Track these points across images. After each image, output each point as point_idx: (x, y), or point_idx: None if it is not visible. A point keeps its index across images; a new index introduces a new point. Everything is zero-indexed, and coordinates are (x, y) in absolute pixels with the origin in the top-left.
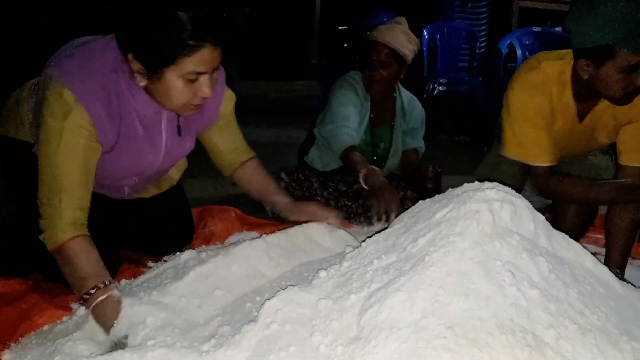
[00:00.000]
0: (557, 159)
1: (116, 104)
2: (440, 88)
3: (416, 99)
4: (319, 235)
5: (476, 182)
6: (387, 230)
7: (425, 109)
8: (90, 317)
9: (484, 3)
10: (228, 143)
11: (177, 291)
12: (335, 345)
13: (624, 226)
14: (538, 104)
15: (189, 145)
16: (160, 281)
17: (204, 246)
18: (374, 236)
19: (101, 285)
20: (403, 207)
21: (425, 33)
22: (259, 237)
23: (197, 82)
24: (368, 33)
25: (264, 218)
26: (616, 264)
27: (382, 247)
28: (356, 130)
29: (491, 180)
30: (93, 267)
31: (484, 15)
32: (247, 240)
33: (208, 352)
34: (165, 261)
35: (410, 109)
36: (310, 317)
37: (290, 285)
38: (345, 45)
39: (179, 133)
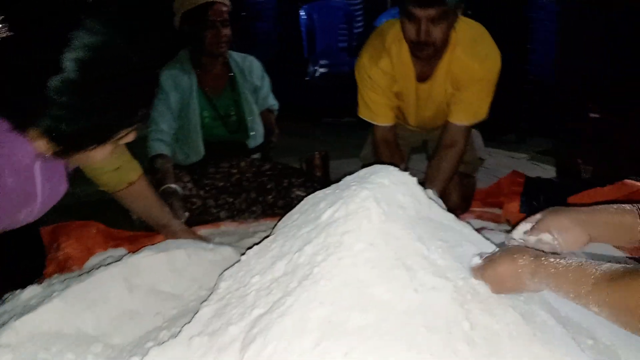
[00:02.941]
0: (391, 119)
1: None
2: (322, 70)
3: (250, 56)
4: (193, 252)
5: (364, 170)
6: (270, 236)
7: (308, 92)
8: None
9: None
10: (109, 164)
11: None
12: None
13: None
14: (379, 67)
15: (63, 188)
16: None
17: (56, 275)
18: (254, 247)
19: None
20: (289, 196)
21: (302, 13)
22: (121, 260)
23: None
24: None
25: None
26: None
27: (265, 259)
28: (170, 127)
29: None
30: None
31: None
32: (104, 267)
33: None
34: (3, 302)
35: (247, 66)
36: None
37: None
38: None
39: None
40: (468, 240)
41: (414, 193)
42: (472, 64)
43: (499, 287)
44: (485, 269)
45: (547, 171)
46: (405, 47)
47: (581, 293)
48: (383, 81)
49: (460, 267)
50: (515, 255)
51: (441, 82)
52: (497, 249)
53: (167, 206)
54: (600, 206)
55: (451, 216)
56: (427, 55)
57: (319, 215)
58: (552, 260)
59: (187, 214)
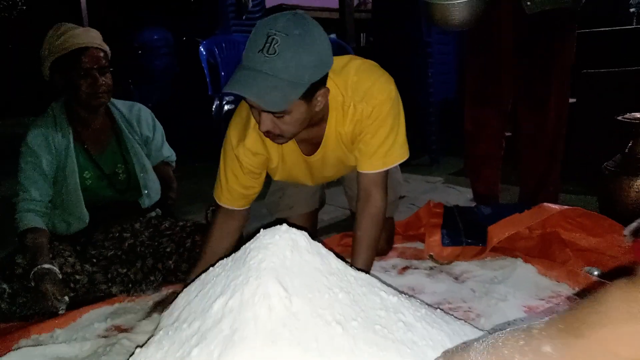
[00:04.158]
0: (242, 205)
1: None
2: (228, 106)
3: (138, 104)
4: None
5: (264, 235)
6: (152, 338)
7: (214, 130)
8: None
9: (258, 15)
10: None
11: None
12: None
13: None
14: (247, 147)
15: None
16: None
17: None
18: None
19: None
20: (194, 257)
21: (202, 49)
22: None
23: None
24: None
25: None
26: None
27: None
28: (44, 194)
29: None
30: None
31: None
32: None
33: None
34: None
35: (135, 115)
36: None
37: None
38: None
39: None
40: (384, 306)
41: (324, 260)
42: (361, 107)
43: None
44: None
45: (463, 193)
46: None
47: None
48: (250, 163)
49: (382, 347)
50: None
51: (334, 147)
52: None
53: None
54: None
55: (365, 276)
56: (283, 142)
57: (210, 305)
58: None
59: (67, 298)
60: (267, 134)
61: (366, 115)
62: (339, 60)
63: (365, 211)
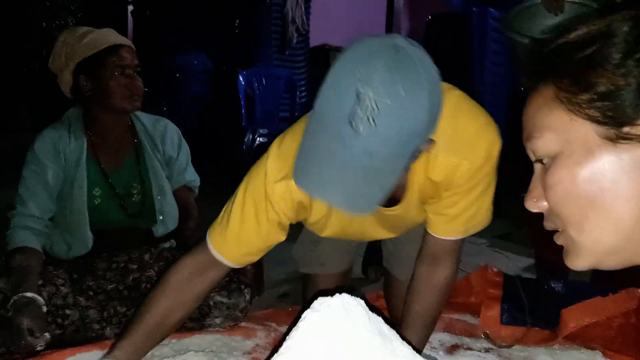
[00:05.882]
0: (244, 262)
1: None
2: (261, 139)
3: (164, 119)
4: None
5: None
6: None
7: (245, 162)
8: None
9: (301, 52)
10: None
11: None
12: None
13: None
14: (293, 198)
15: None
16: None
17: None
18: None
19: None
20: (206, 304)
21: (241, 79)
22: None
23: None
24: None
25: None
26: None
27: None
28: (44, 210)
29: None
30: None
31: (303, 64)
32: None
33: None
34: None
35: (159, 131)
36: None
37: None
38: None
39: None
40: None
41: (387, 343)
42: (454, 162)
43: None
44: None
45: (513, 261)
46: None
47: None
48: (286, 212)
49: None
50: None
51: (415, 202)
52: None
53: None
54: None
55: None
56: None
57: None
58: None
59: (47, 335)
60: None
61: (461, 172)
62: None
63: (431, 282)
